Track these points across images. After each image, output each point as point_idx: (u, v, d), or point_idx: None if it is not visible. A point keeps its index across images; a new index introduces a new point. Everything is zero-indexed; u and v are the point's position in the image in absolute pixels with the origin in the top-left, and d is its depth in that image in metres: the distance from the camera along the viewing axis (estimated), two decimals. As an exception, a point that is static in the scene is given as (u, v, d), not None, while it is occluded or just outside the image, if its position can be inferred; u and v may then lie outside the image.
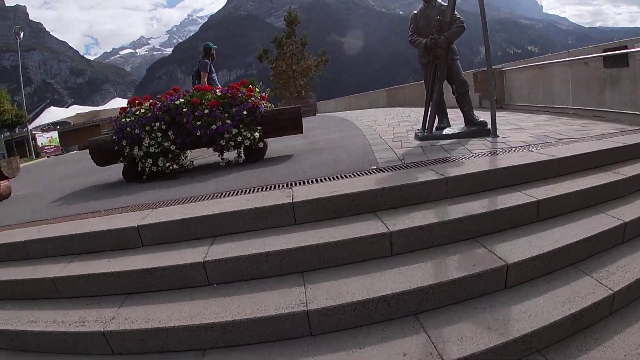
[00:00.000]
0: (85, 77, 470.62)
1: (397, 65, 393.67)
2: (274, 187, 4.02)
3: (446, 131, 5.68)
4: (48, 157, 32.64)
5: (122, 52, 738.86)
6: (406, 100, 19.76)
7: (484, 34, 5.19)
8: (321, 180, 4.03)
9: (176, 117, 5.48)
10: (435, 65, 5.40)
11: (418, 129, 6.00)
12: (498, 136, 5.31)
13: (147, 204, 4.18)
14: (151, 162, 5.44)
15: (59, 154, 34.72)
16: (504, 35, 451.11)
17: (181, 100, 5.58)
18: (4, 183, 7.13)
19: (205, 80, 8.38)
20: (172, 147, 5.46)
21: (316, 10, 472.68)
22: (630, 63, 6.23)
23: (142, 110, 5.59)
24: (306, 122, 14.08)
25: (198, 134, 5.39)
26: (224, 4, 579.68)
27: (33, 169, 16.43)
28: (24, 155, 33.36)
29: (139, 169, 5.57)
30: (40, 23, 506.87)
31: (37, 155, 33.05)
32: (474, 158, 4.25)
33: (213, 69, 9.10)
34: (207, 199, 4.00)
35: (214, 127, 5.33)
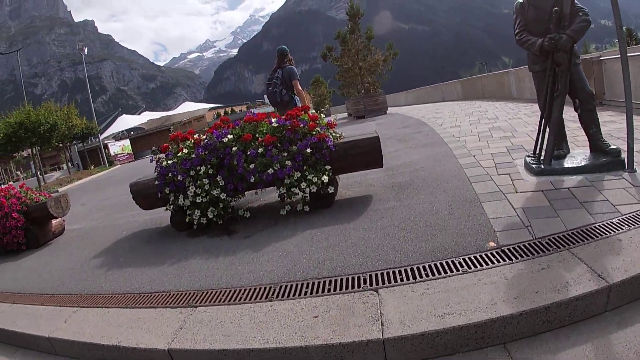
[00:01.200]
0: (156, 82, 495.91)
1: (463, 47, 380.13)
2: (351, 283, 2.83)
3: (568, 163, 4.24)
4: (121, 164, 33.95)
5: (190, 56, 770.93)
6: (484, 92, 17.96)
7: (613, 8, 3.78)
8: (419, 273, 2.77)
9: (225, 158, 4.50)
10: (555, 74, 4.01)
11: (528, 155, 4.59)
12: (636, 171, 3.86)
13: (187, 294, 3.22)
14: (199, 213, 4.51)
15: (132, 161, 35.97)
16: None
17: (229, 136, 4.57)
18: (56, 221, 6.79)
19: (301, 89, 6.91)
20: (223, 196, 4.49)
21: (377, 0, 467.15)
22: None
23: (185, 151, 4.67)
24: (378, 125, 13.05)
25: (252, 180, 4.37)
26: (284, 2, 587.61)
27: (102, 182, 16.45)
28: (98, 163, 34.65)
29: (187, 220, 4.67)
30: (109, 35, 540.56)
31: (111, 164, 34.27)
32: (631, 227, 2.86)
33: None
34: (260, 296, 2.94)
35: (270, 171, 4.27)
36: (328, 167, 4.33)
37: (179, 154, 4.68)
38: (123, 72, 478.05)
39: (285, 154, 4.30)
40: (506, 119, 8.70)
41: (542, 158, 4.28)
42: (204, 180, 4.43)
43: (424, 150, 6.71)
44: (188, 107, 64.02)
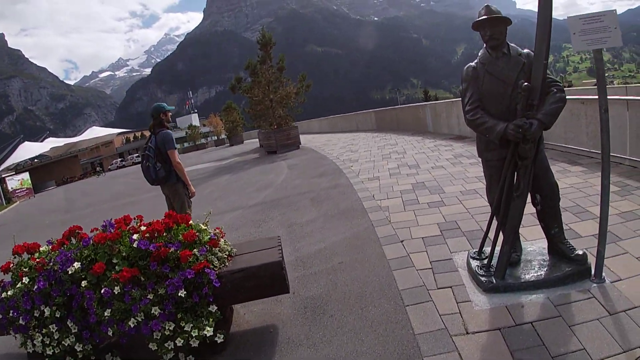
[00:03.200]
0: (66, 102, 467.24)
1: (376, 71, 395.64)
2: None
3: (524, 272, 3.14)
4: (20, 200, 29.87)
5: (102, 75, 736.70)
6: (398, 124, 17.55)
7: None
8: None
9: (74, 297, 2.94)
10: (515, 167, 3.02)
11: (473, 256, 3.50)
12: (604, 280, 2.96)
13: None
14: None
15: (32, 197, 31.88)
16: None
17: (76, 265, 2.95)
18: None
19: (179, 161, 5.24)
20: (79, 347, 2.93)
21: (293, 21, 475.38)
22: None
23: (25, 280, 2.99)
24: (290, 168, 11.90)
25: (110, 333, 2.83)
26: (200, 22, 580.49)
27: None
28: (-5, 201, 30.28)
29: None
30: (19, 50, 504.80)
31: (9, 201, 30.04)
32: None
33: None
34: None
35: (132, 323, 2.75)
36: (213, 309, 2.88)
37: (17, 285, 3.07)
38: (31, 91, 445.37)
39: (152, 297, 2.79)
40: (429, 169, 7.88)
41: (491, 266, 3.23)
42: (50, 327, 2.90)
43: (342, 225, 5.41)
44: (95, 132, 59.39)
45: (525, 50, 3.02)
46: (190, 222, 3.33)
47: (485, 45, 3.07)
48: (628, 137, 5.70)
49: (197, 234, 3.14)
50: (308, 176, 9.60)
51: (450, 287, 3.30)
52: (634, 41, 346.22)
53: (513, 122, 2.78)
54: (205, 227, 3.33)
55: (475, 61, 3.12)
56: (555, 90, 2.84)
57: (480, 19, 3.00)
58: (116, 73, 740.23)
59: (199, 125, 77.73)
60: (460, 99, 3.35)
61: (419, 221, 4.95)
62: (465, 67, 3.16)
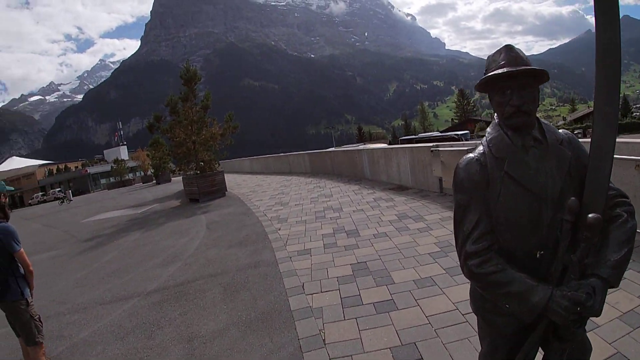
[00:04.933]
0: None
1: (311, 107, 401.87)
2: None
3: None
4: None
5: (31, 99, 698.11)
6: (333, 168, 16.37)
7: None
8: None
9: None
10: (545, 345, 1.61)
11: None
12: None
13: None
14: None
15: None
16: (410, 73, 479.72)
17: None
18: None
19: (29, 262, 3.71)
20: None
21: (230, 55, 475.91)
22: None
23: None
24: (209, 229, 10.13)
25: None
26: (136, 49, 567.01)
27: None
28: None
29: None
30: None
31: None
32: None
33: None
34: None
35: None
36: None
37: None
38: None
39: None
40: (370, 238, 6.54)
41: None
42: None
43: (260, 345, 3.80)
44: (15, 163, 54.90)
45: (563, 132, 1.64)
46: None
47: (498, 120, 1.61)
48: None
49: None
50: (226, 243, 7.90)
51: None
52: (555, 77, 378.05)
53: (561, 291, 1.40)
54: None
55: (480, 150, 1.61)
56: (623, 214, 1.50)
57: (497, 72, 1.50)
58: (47, 97, 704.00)
59: (127, 158, 73.80)
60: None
61: (364, 343, 3.49)
62: (463, 161, 1.62)
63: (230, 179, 24.64)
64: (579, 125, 68.07)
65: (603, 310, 1.39)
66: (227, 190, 16.01)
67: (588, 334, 1.69)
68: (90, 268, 8.07)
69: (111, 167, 66.23)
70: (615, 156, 1.44)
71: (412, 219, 7.27)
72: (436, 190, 9.37)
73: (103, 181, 71.70)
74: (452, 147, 8.48)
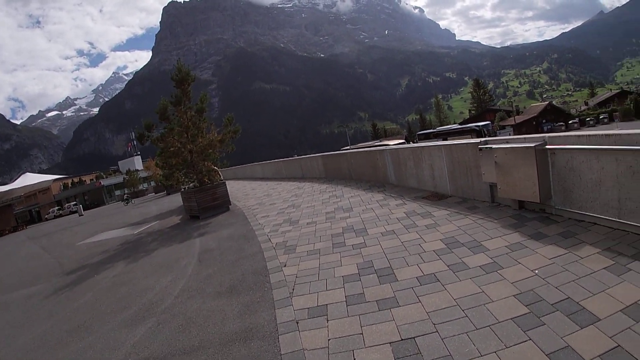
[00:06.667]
0: (12, 143, 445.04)
1: (324, 106, 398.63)
2: None
3: None
4: None
5: (49, 115, 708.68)
6: (351, 172, 14.32)
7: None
8: None
9: None
10: None
11: None
12: None
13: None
14: None
15: None
16: (422, 66, 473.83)
17: None
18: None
19: None
20: None
21: (241, 59, 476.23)
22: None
23: None
24: (201, 254, 7.67)
25: None
26: (148, 60, 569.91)
27: None
28: None
29: None
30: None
31: None
32: None
33: None
34: None
35: None
36: None
37: None
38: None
39: None
40: (412, 283, 4.54)
41: None
42: None
43: None
44: (28, 179, 54.06)
45: None
46: None
47: None
48: None
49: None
50: (215, 288, 5.87)
51: None
52: (569, 62, 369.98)
53: None
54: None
55: None
56: None
57: None
58: (64, 112, 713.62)
59: (141, 168, 72.81)
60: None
61: None
62: None
63: (238, 187, 22.77)
64: (603, 110, 64.85)
65: None
66: (230, 204, 14.03)
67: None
68: (56, 318, 6.36)
69: (123, 178, 65.22)
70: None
71: (468, 248, 5.21)
72: (486, 200, 7.28)
73: (117, 192, 70.88)
74: (507, 142, 6.35)
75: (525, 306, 3.63)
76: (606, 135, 4.71)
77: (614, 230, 4.80)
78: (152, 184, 61.22)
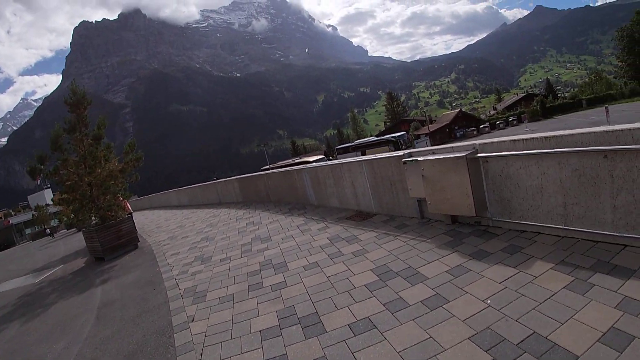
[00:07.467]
0: None
1: (242, 126, 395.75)
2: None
3: None
4: None
5: None
6: (269, 194, 13.44)
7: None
8: None
9: None
10: None
11: None
12: None
13: None
14: None
15: None
16: (337, 82, 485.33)
17: None
18: None
19: None
20: None
21: (155, 81, 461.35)
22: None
23: None
24: (100, 308, 6.85)
25: None
26: (58, 84, 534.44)
27: None
28: None
29: None
30: None
31: None
32: None
33: None
34: None
35: None
36: None
37: None
38: None
39: None
40: (349, 341, 3.76)
41: None
42: None
43: None
44: None
45: None
46: None
47: None
48: None
49: None
50: (111, 358, 4.75)
51: None
52: (476, 72, 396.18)
53: None
54: None
55: None
56: None
57: None
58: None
59: (52, 203, 66.52)
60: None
61: None
62: None
63: (153, 218, 21.03)
64: (512, 113, 69.15)
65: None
66: (139, 241, 12.53)
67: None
68: None
69: (32, 214, 59.25)
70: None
71: (403, 278, 4.51)
72: (415, 216, 6.71)
73: (28, 231, 63.82)
74: (434, 153, 5.80)
75: (486, 352, 2.95)
76: (545, 137, 4.25)
77: (562, 239, 4.35)
78: (64, 220, 56.10)
